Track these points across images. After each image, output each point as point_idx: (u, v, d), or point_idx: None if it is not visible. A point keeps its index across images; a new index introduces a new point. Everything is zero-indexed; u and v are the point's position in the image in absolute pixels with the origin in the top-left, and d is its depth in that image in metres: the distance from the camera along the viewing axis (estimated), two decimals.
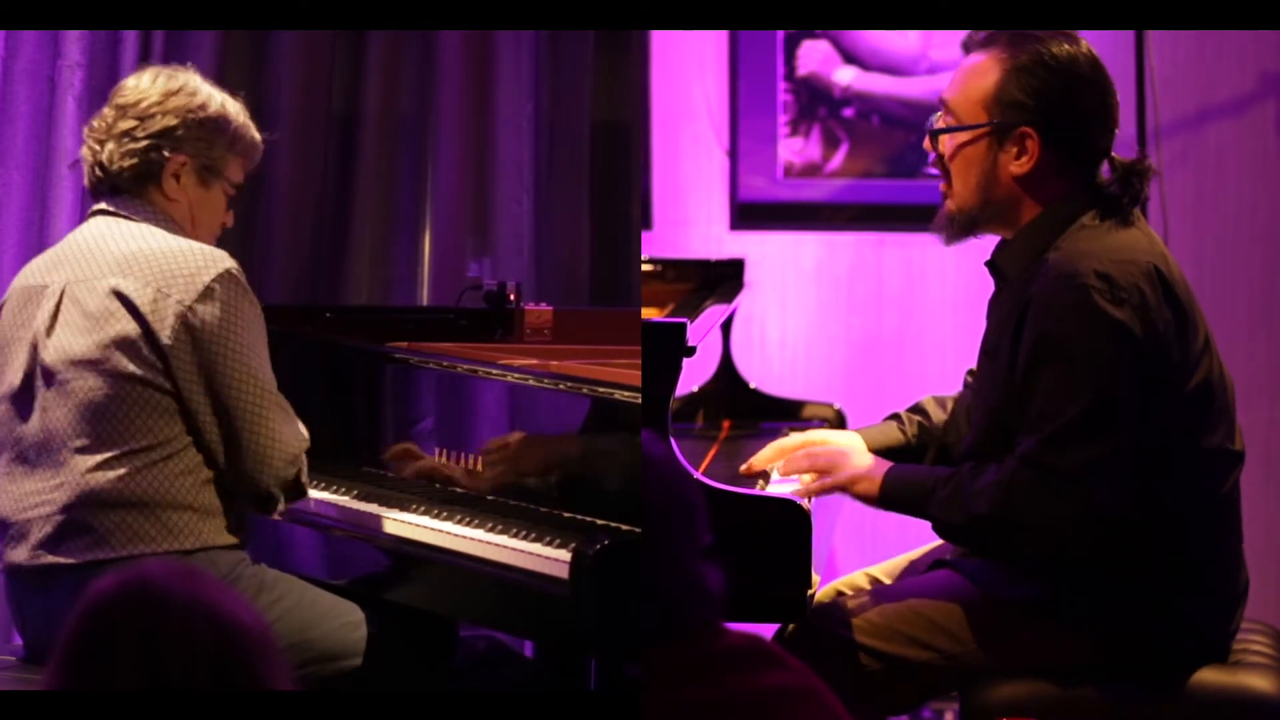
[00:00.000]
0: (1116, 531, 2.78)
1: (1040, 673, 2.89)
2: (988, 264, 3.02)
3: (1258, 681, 2.88)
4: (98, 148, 3.02)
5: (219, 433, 2.92)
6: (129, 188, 3.02)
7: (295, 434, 2.98)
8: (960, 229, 2.97)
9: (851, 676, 2.89)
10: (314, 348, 3.52)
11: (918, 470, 2.97)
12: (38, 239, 3.81)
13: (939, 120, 2.97)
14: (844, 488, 2.96)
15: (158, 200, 3.02)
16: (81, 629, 1.64)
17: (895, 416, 3.24)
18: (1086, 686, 2.87)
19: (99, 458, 2.89)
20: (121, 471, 2.89)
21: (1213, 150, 4.76)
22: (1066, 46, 2.88)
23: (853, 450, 3.02)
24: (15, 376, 2.99)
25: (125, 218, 3.00)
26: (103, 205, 3.04)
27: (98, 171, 3.03)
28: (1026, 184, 2.91)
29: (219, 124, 3.05)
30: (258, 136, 3.13)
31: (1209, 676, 2.88)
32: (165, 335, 2.89)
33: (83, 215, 3.81)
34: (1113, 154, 2.93)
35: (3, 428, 3.02)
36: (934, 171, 3.01)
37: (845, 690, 2.11)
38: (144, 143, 3.00)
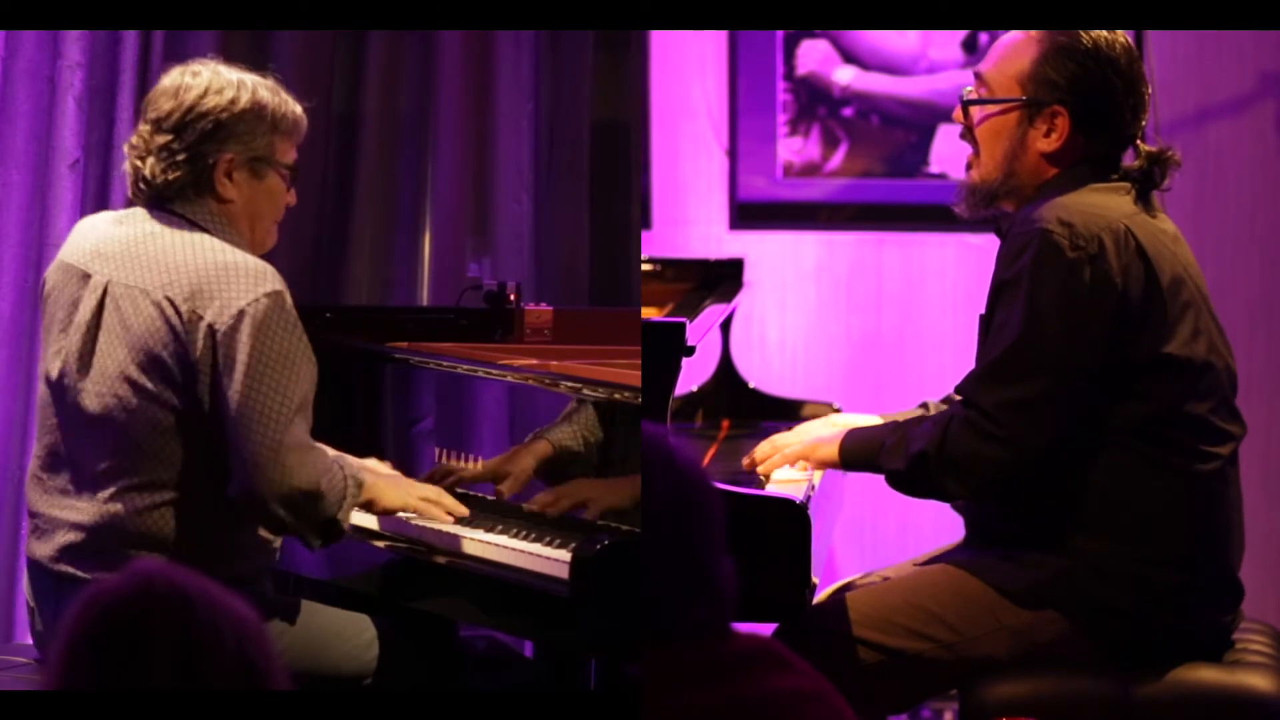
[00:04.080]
0: (1043, 477, 2.83)
1: (1039, 667, 2.89)
2: (995, 230, 3.03)
3: (1257, 681, 2.88)
4: (139, 163, 2.92)
5: (229, 458, 2.81)
6: (179, 195, 2.92)
7: (309, 464, 2.81)
8: (981, 201, 3.01)
9: (851, 672, 2.89)
10: (314, 348, 3.51)
11: (875, 428, 3.03)
12: (38, 239, 3.81)
13: (973, 92, 3.00)
14: (806, 456, 3.05)
15: (211, 204, 2.92)
16: (100, 629, 1.61)
17: (924, 406, 3.27)
18: (1086, 685, 2.87)
19: (118, 487, 2.83)
20: (139, 505, 2.83)
21: (1213, 150, 4.76)
22: (1105, 34, 2.93)
23: (814, 427, 3.14)
24: (53, 365, 2.91)
25: (179, 219, 2.91)
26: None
27: (141, 185, 2.92)
28: (1051, 161, 2.95)
29: (255, 113, 2.93)
30: (298, 109, 3.00)
31: (1209, 675, 2.88)
32: (193, 358, 2.80)
33: (83, 215, 3.81)
34: (1139, 142, 2.96)
35: (42, 411, 2.95)
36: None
37: (845, 686, 2.12)
38: (184, 154, 2.89)
